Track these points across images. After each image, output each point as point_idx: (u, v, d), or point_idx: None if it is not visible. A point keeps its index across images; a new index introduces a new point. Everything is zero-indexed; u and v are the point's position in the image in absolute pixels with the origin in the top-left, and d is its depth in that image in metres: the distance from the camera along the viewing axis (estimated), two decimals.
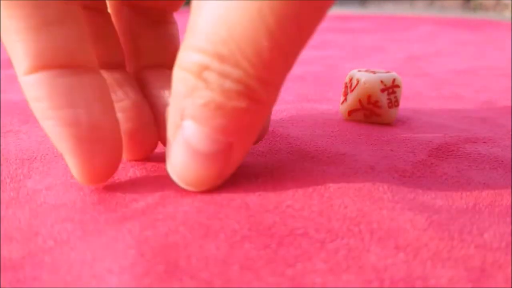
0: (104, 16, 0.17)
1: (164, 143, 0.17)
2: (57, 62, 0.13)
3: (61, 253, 0.12)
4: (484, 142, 0.20)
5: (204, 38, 0.12)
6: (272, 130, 0.21)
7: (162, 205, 0.14)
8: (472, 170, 0.17)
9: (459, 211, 0.14)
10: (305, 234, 0.13)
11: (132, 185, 0.16)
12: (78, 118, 0.14)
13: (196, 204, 0.14)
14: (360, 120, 0.23)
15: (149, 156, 0.18)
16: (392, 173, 0.16)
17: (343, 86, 0.23)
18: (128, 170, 0.17)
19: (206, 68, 0.12)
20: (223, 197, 0.15)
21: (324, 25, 0.75)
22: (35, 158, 0.18)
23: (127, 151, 0.17)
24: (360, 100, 0.22)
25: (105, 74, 0.17)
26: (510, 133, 0.21)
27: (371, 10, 1.07)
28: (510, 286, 0.11)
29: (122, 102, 0.16)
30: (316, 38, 0.57)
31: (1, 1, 0.13)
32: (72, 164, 0.14)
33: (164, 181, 0.16)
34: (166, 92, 0.17)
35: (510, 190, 0.15)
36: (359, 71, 0.22)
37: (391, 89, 0.22)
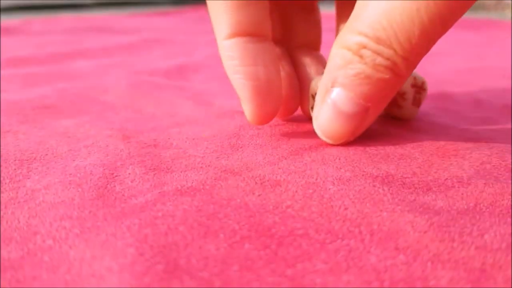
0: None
1: (304, 109, 0.22)
2: (248, 31, 0.18)
3: (60, 252, 0.12)
4: (485, 142, 0.20)
5: (367, 24, 0.16)
6: (272, 130, 0.21)
7: (161, 202, 0.14)
8: (473, 170, 0.17)
9: (460, 212, 0.14)
10: (305, 234, 0.13)
11: (131, 182, 0.16)
12: (258, 74, 0.18)
13: (196, 203, 0.14)
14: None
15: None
16: (393, 174, 0.16)
17: None
18: (127, 167, 0.17)
19: (364, 46, 0.16)
20: (223, 197, 0.15)
21: (324, 25, 0.75)
22: (34, 158, 0.18)
23: None
24: None
25: None
26: (510, 133, 0.21)
27: None
28: (510, 287, 0.11)
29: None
30: None
31: None
32: (248, 108, 0.19)
33: (163, 179, 0.16)
34: (312, 69, 0.22)
35: (510, 190, 0.15)
36: None
37: (419, 89, 0.22)
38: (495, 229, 0.13)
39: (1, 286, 0.11)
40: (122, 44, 0.48)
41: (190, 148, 0.19)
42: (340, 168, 0.17)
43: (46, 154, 0.18)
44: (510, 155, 0.18)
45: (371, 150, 0.19)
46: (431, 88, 0.32)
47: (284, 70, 0.21)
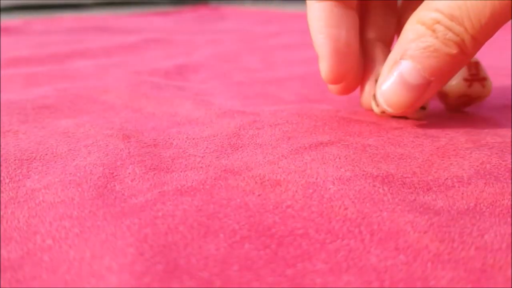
0: None
1: (362, 98, 0.24)
2: None
3: (60, 252, 0.12)
4: (485, 142, 0.20)
5: (444, 3, 0.17)
6: (272, 130, 0.21)
7: (161, 202, 0.14)
8: (473, 170, 0.17)
9: (460, 212, 0.14)
10: (305, 234, 0.13)
11: (131, 181, 0.16)
12: (339, 36, 0.20)
13: (196, 203, 0.14)
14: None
15: None
16: (393, 174, 0.16)
17: None
18: (127, 166, 0.17)
19: (437, 22, 0.17)
20: (223, 197, 0.15)
21: None
22: (34, 158, 0.18)
23: None
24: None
25: None
26: (511, 132, 0.21)
27: None
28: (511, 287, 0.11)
29: None
30: None
31: None
32: (324, 66, 0.21)
33: (163, 179, 0.16)
34: (379, 61, 0.23)
35: (510, 190, 0.15)
36: None
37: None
38: (495, 229, 0.13)
39: (1, 286, 0.11)
40: (122, 44, 0.48)
41: (190, 148, 0.19)
42: (340, 168, 0.17)
43: (46, 154, 0.18)
44: (510, 155, 0.18)
45: (371, 150, 0.19)
46: None
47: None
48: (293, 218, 0.13)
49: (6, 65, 0.37)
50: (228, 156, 0.18)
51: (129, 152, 0.18)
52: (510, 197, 0.15)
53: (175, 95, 0.27)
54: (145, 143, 0.20)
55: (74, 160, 0.18)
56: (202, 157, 0.18)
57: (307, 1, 0.21)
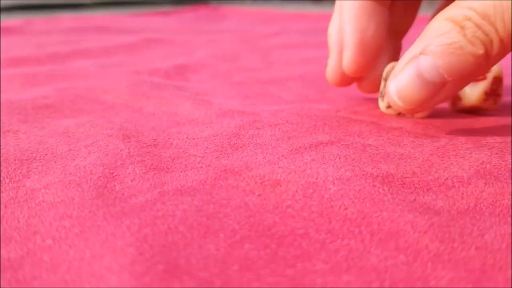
0: None
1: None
2: None
3: (60, 252, 0.12)
4: (485, 142, 0.20)
5: (478, 2, 0.17)
6: (272, 130, 0.21)
7: (161, 202, 0.14)
8: (473, 170, 0.17)
9: (460, 212, 0.14)
10: (305, 234, 0.13)
11: (131, 181, 0.16)
12: (368, 29, 0.21)
13: (196, 203, 0.14)
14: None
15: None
16: (393, 174, 0.16)
17: None
18: (127, 166, 0.17)
19: (468, 18, 0.17)
20: (223, 197, 0.15)
21: (324, 25, 0.75)
22: (34, 158, 0.18)
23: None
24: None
25: None
26: (511, 132, 0.21)
27: None
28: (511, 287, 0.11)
29: None
30: (316, 38, 0.57)
31: None
32: (348, 56, 0.22)
33: (163, 178, 0.16)
34: (388, 55, 0.24)
35: (510, 190, 0.15)
36: None
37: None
38: (495, 229, 0.13)
39: (1, 286, 0.11)
40: (122, 44, 0.48)
41: (190, 147, 0.19)
42: (340, 168, 0.17)
43: (46, 154, 0.18)
44: (510, 155, 0.18)
45: (371, 150, 0.19)
46: None
47: None
48: (293, 218, 0.13)
49: (6, 65, 0.37)
50: (228, 156, 0.18)
51: (129, 152, 0.18)
52: (510, 197, 0.15)
53: (175, 95, 0.27)
54: (145, 143, 0.20)
55: (74, 160, 0.18)
56: (202, 157, 0.18)
57: None
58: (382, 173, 0.16)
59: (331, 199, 0.14)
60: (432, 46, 0.18)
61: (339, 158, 0.18)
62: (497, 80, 0.23)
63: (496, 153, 0.18)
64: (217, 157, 0.18)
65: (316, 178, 0.16)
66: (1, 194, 0.15)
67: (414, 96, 0.19)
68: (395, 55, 0.25)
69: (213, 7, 1.09)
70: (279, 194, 0.15)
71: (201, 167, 0.17)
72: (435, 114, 0.24)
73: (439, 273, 0.11)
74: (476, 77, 0.18)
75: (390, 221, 0.13)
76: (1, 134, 0.21)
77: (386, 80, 0.23)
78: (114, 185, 0.15)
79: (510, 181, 0.16)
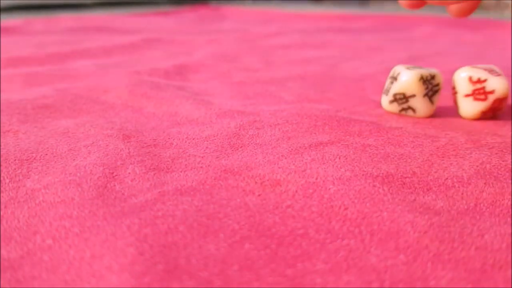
0: None
1: None
2: None
3: (60, 252, 0.12)
4: (485, 142, 0.20)
5: None
6: (272, 130, 0.21)
7: (161, 202, 0.14)
8: (473, 170, 0.17)
9: (460, 212, 0.14)
10: (305, 234, 0.13)
11: (131, 181, 0.16)
12: None
13: (196, 203, 0.14)
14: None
15: None
16: (393, 174, 0.16)
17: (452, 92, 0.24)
18: (127, 166, 0.17)
19: None
20: (223, 197, 0.15)
21: (324, 25, 0.75)
22: (34, 158, 0.18)
23: None
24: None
25: None
26: (511, 132, 0.21)
27: (372, 10, 1.07)
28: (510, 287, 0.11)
29: None
30: (316, 38, 0.57)
31: None
32: None
33: (163, 178, 0.16)
34: None
35: (510, 190, 0.15)
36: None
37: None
38: (495, 229, 0.13)
39: (1, 286, 0.11)
40: (122, 44, 0.48)
41: (190, 147, 0.19)
42: (340, 168, 0.17)
43: (46, 154, 0.18)
44: (510, 155, 0.18)
45: (371, 150, 0.19)
46: None
47: None
48: (293, 218, 0.13)
49: (6, 65, 0.37)
50: (228, 156, 0.18)
51: (129, 152, 0.18)
52: (510, 197, 0.15)
53: (175, 95, 0.27)
54: (145, 143, 0.20)
55: (74, 160, 0.18)
56: (202, 157, 0.18)
57: None
58: (382, 173, 0.16)
59: (331, 199, 0.14)
60: None
61: (339, 158, 0.18)
62: (499, 100, 0.23)
63: (496, 153, 0.18)
64: (217, 157, 0.18)
65: (316, 178, 0.16)
66: (1, 194, 0.15)
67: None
68: None
69: (213, 7, 1.09)
70: (279, 194, 0.15)
71: (201, 167, 0.17)
72: (435, 114, 0.24)
73: (439, 273, 0.11)
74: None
75: (390, 221, 0.13)
76: (1, 134, 0.21)
77: (392, 78, 0.24)
78: (114, 185, 0.15)
79: (510, 181, 0.16)
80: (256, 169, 0.17)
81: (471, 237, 0.12)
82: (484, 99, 0.23)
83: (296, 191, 0.15)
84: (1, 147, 0.19)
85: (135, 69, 0.35)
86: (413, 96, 0.23)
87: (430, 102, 0.23)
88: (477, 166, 0.17)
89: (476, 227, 0.13)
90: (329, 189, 0.15)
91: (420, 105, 0.23)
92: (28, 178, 0.16)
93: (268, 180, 0.16)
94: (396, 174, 0.16)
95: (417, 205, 0.14)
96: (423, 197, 0.15)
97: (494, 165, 0.17)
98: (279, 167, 0.17)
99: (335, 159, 0.18)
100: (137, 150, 0.19)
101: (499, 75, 0.23)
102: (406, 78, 0.23)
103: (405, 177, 0.16)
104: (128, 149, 0.19)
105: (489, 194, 0.15)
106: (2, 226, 0.13)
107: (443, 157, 0.18)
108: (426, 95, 0.23)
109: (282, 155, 0.18)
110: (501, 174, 0.16)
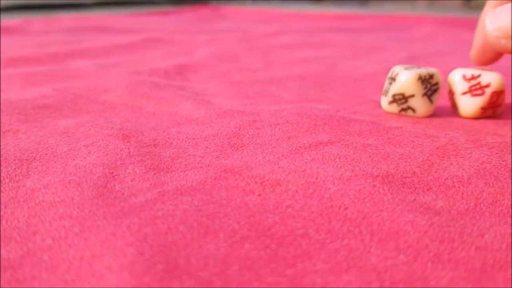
0: None
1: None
2: None
3: (59, 251, 0.12)
4: (485, 142, 0.20)
5: None
6: (272, 130, 0.21)
7: (161, 202, 0.14)
8: (473, 170, 0.17)
9: (460, 212, 0.14)
10: (305, 234, 0.13)
11: (131, 181, 0.16)
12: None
13: (196, 203, 0.14)
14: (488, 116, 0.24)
15: None
16: (393, 174, 0.16)
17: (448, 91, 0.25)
18: (127, 166, 0.17)
19: None
20: (223, 197, 0.15)
21: (324, 25, 0.75)
22: (34, 158, 0.18)
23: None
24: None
25: None
26: (510, 132, 0.21)
27: (371, 10, 1.07)
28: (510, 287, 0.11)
29: None
30: (316, 38, 0.57)
31: None
32: (471, 54, 0.25)
33: (163, 178, 0.16)
34: None
35: (510, 190, 0.15)
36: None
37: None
38: (495, 229, 0.13)
39: (1, 286, 0.11)
40: (122, 44, 0.48)
41: (190, 147, 0.19)
42: (340, 168, 0.17)
43: (46, 154, 0.18)
44: (510, 155, 0.18)
45: (371, 149, 0.19)
46: None
47: None
48: (293, 218, 0.13)
49: (6, 65, 0.37)
50: (228, 156, 0.18)
51: (129, 152, 0.18)
52: (510, 197, 0.15)
53: (175, 95, 0.27)
54: (145, 143, 0.20)
55: (74, 160, 0.18)
56: (202, 157, 0.18)
57: (487, 3, 0.25)
58: (382, 173, 0.16)
59: (331, 199, 0.14)
60: None
61: (339, 158, 0.18)
62: (496, 94, 0.23)
63: (496, 153, 0.18)
64: (217, 157, 0.18)
65: (316, 178, 0.16)
66: (1, 194, 0.15)
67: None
68: None
69: (213, 7, 1.09)
70: (279, 194, 0.15)
71: (201, 167, 0.17)
72: (435, 114, 0.24)
73: (439, 273, 0.11)
74: None
75: (390, 221, 0.13)
76: (1, 134, 0.21)
77: (390, 79, 0.24)
78: (114, 185, 0.15)
79: (510, 181, 0.16)
80: (256, 169, 0.17)
81: (471, 237, 0.12)
82: (482, 94, 0.23)
83: (296, 191, 0.15)
84: (1, 147, 0.19)
85: (135, 69, 0.35)
86: (412, 96, 0.23)
87: (429, 101, 0.23)
88: (477, 166, 0.17)
89: (476, 227, 0.13)
90: (329, 189, 0.15)
91: (419, 105, 0.23)
92: (28, 178, 0.16)
93: (268, 180, 0.16)
94: (396, 174, 0.16)
95: (417, 205, 0.14)
96: (423, 197, 0.15)
97: (494, 165, 0.17)
98: (279, 167, 0.17)
99: (335, 159, 0.18)
100: (137, 150, 0.19)
101: (492, 70, 0.23)
102: (404, 79, 0.23)
103: (405, 177, 0.16)
104: (128, 149, 0.19)
105: (489, 194, 0.15)
106: (2, 226, 0.13)
107: (443, 157, 0.18)
108: (425, 94, 0.23)
109: (282, 155, 0.18)
110: (501, 174, 0.16)
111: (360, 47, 0.50)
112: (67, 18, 0.77)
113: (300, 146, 0.19)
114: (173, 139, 0.20)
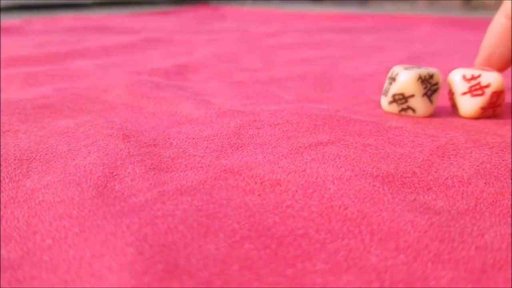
0: None
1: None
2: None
3: (59, 251, 0.12)
4: (485, 142, 0.20)
5: None
6: (272, 130, 0.21)
7: (161, 201, 0.14)
8: (473, 170, 0.17)
9: (460, 212, 0.14)
10: (305, 234, 0.13)
11: (131, 181, 0.16)
12: (497, 50, 0.26)
13: (196, 203, 0.14)
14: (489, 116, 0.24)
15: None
16: (393, 174, 0.16)
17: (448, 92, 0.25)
18: (127, 166, 0.17)
19: None
20: (223, 197, 0.15)
21: (324, 25, 0.75)
22: (34, 158, 0.18)
23: None
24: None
25: None
26: (510, 132, 0.21)
27: (371, 10, 1.07)
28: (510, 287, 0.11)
29: None
30: (316, 38, 0.57)
31: None
32: (476, 63, 0.26)
33: (163, 178, 0.16)
34: None
35: (510, 190, 0.15)
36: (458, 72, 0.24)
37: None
38: (495, 229, 0.13)
39: (1, 286, 0.11)
40: (122, 44, 0.48)
41: (190, 147, 0.19)
42: (340, 167, 0.17)
43: (46, 154, 0.18)
44: (510, 155, 0.18)
45: (371, 149, 0.19)
46: None
47: None
48: (293, 218, 0.13)
49: (6, 65, 0.37)
50: (228, 156, 0.18)
51: (129, 152, 0.18)
52: (510, 197, 0.15)
53: (175, 95, 0.27)
54: (145, 143, 0.20)
55: (74, 159, 0.18)
56: (202, 157, 0.18)
57: (497, 13, 0.26)
58: (382, 173, 0.16)
59: (331, 199, 0.14)
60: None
61: (339, 158, 0.18)
62: (496, 94, 0.23)
63: (496, 153, 0.18)
64: (217, 157, 0.18)
65: (316, 178, 0.16)
66: (1, 194, 0.15)
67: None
68: None
69: (213, 7, 1.09)
70: (279, 194, 0.15)
71: (201, 167, 0.17)
72: (435, 114, 0.24)
73: (439, 273, 0.11)
74: None
75: (390, 221, 0.13)
76: (1, 134, 0.21)
77: (390, 79, 0.24)
78: (114, 185, 0.15)
79: (510, 181, 0.16)
80: (256, 169, 0.17)
81: (471, 237, 0.12)
82: (482, 94, 0.23)
83: (296, 191, 0.15)
84: (1, 147, 0.19)
85: (135, 69, 0.35)
86: (412, 96, 0.23)
87: (429, 101, 0.23)
88: (477, 166, 0.17)
89: (476, 227, 0.13)
90: (329, 189, 0.15)
91: (419, 104, 0.23)
92: (28, 177, 0.16)
93: (268, 180, 0.16)
94: (396, 173, 0.16)
95: (417, 205, 0.14)
96: (423, 196, 0.15)
97: (494, 165, 0.17)
98: (279, 167, 0.17)
99: (335, 158, 0.18)
100: (137, 150, 0.19)
101: (491, 70, 0.23)
102: (404, 79, 0.23)
103: (405, 177, 0.16)
104: (128, 148, 0.19)
105: (489, 194, 0.15)
106: (2, 226, 0.13)
107: (443, 156, 0.18)
108: (425, 94, 0.23)
109: (282, 155, 0.18)
110: (501, 174, 0.16)
111: (360, 47, 0.50)
112: (67, 18, 0.77)
113: (300, 146, 0.19)
114: (173, 139, 0.20)
